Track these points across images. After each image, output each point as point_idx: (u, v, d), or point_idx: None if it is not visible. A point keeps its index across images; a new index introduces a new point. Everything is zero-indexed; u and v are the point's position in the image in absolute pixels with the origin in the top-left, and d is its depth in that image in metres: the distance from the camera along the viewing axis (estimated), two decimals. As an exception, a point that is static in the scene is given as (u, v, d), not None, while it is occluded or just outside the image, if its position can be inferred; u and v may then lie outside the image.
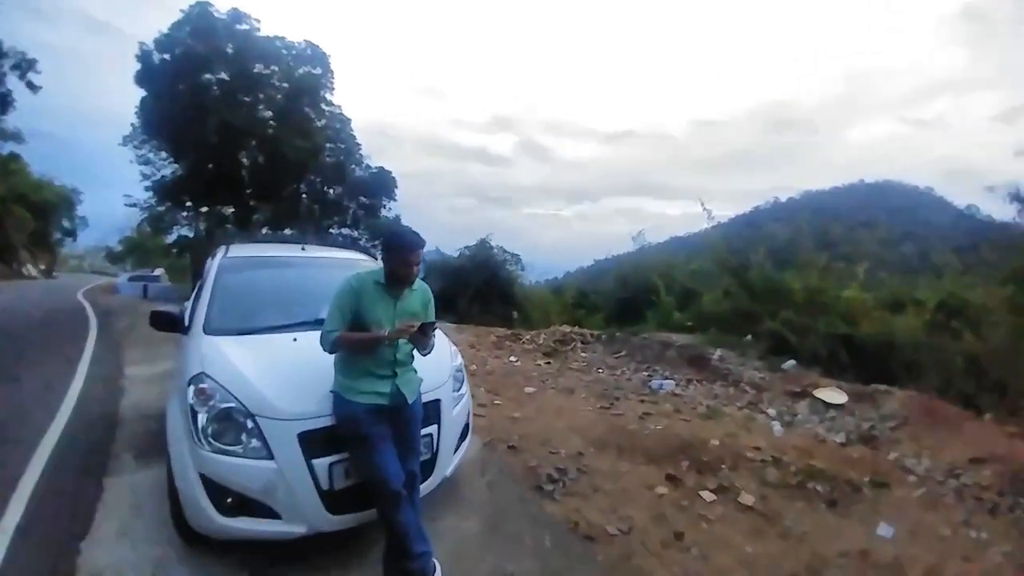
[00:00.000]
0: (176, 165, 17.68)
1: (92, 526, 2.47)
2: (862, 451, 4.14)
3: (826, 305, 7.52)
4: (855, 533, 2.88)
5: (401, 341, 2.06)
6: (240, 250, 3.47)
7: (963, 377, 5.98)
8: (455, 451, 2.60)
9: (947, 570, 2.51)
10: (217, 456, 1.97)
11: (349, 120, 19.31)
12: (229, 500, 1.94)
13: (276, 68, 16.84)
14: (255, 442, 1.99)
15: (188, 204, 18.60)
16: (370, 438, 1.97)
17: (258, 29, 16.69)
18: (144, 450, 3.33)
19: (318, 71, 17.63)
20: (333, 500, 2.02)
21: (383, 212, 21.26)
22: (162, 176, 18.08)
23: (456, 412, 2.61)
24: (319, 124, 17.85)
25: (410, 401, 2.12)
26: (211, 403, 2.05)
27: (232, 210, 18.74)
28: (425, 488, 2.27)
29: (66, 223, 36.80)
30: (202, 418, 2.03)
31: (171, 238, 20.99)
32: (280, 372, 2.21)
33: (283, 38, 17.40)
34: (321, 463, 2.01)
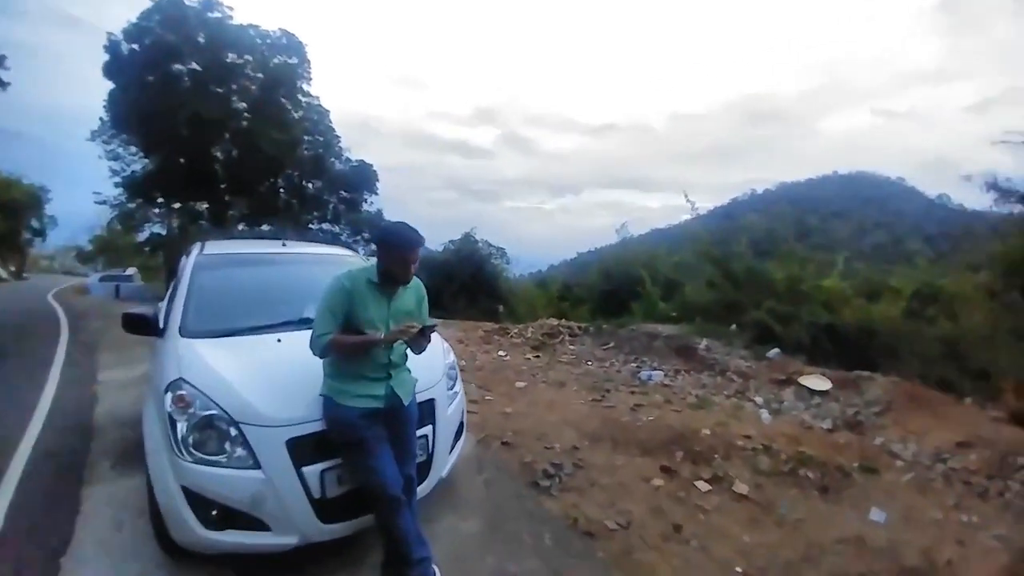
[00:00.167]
0: (147, 160, 17.03)
1: (72, 541, 2.34)
2: (849, 437, 4.21)
3: (807, 294, 7.67)
4: (848, 519, 2.92)
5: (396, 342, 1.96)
6: (216, 247, 3.30)
7: (941, 362, 6.15)
8: (450, 451, 2.52)
9: (942, 554, 2.55)
10: (199, 467, 1.85)
11: (327, 112, 18.83)
12: (214, 513, 1.83)
13: (250, 58, 16.26)
14: (240, 451, 1.87)
15: (160, 200, 17.98)
16: (365, 443, 1.88)
17: (231, 17, 16.07)
18: (121, 459, 3.17)
19: (294, 61, 17.08)
20: (325, 508, 1.92)
21: (365, 206, 20.91)
22: (132, 171, 17.42)
23: (451, 411, 2.53)
24: (296, 116, 17.33)
25: (406, 403, 2.03)
26: (191, 411, 1.92)
27: (206, 206, 18.18)
28: (421, 491, 2.19)
29: (35, 223, 35.20)
30: (181, 427, 1.90)
31: (143, 236, 20.36)
32: (265, 376, 2.09)
33: (257, 27, 16.79)
34: (312, 471, 1.90)
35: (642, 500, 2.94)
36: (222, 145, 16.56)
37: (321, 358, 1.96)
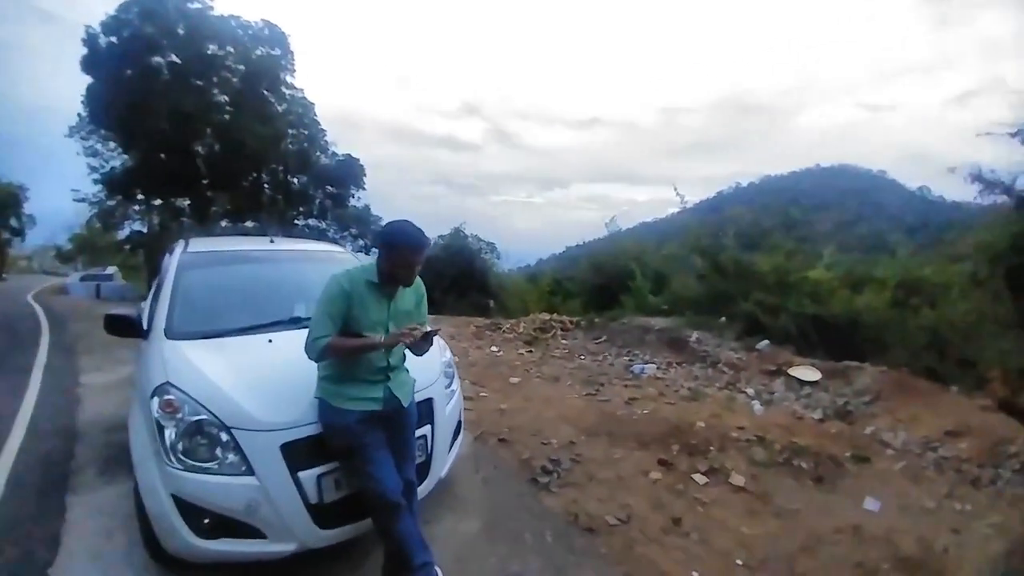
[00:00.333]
0: (126, 156, 16.58)
1: (60, 551, 2.25)
2: (840, 427, 4.27)
3: (794, 285, 7.76)
4: (844, 508, 2.95)
5: None
6: (201, 244, 3.19)
7: (927, 352, 6.26)
8: (449, 450, 2.48)
9: (937, 542, 2.59)
10: (190, 475, 1.77)
11: (312, 105, 18.46)
12: (206, 521, 1.76)
13: (231, 49, 15.84)
14: (232, 457, 1.80)
15: (140, 197, 17.53)
16: (363, 448, 1.82)
17: (211, 8, 15.62)
18: (107, 465, 3.07)
19: (277, 52, 16.68)
20: (323, 514, 1.86)
21: (351, 202, 20.64)
22: (111, 168, 16.95)
23: (449, 409, 2.48)
24: (280, 109, 16.96)
25: (405, 404, 1.97)
26: (179, 416, 1.84)
27: (188, 202, 17.76)
28: (421, 492, 2.14)
29: (13, 222, 34.07)
30: (170, 433, 1.82)
31: (123, 234, 19.87)
32: (256, 378, 2.02)
33: (238, 17, 16.36)
34: (308, 475, 1.84)
35: (641, 494, 2.93)
36: (203, 140, 16.15)
37: (317, 361, 1.88)
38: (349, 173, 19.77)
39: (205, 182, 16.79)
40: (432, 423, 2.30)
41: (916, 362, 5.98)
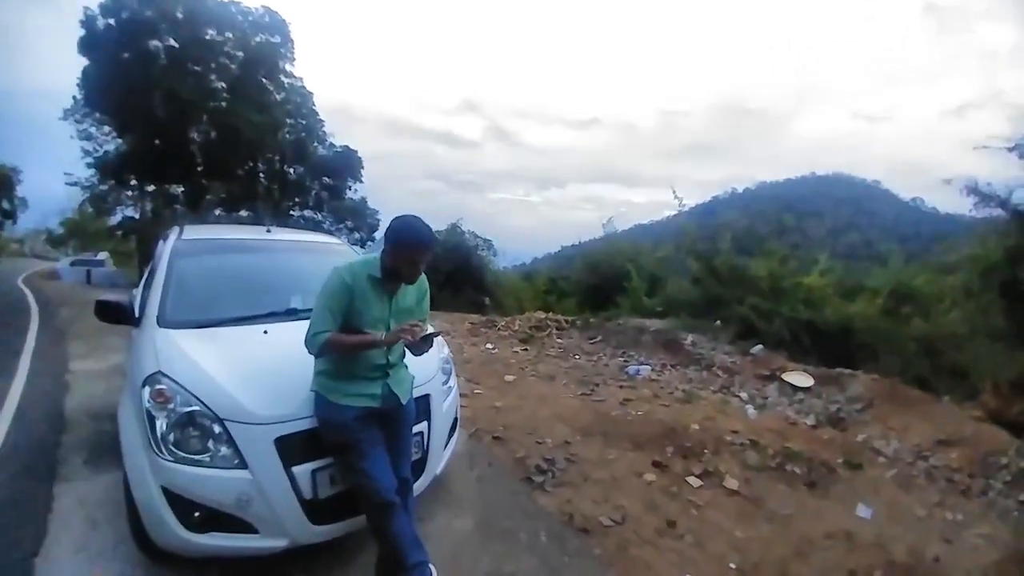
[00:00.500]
0: (120, 140, 16.35)
1: (45, 541, 2.20)
2: (832, 433, 4.28)
3: (789, 291, 7.81)
4: (836, 514, 2.96)
5: None
6: (196, 232, 3.13)
7: (918, 361, 6.32)
8: (445, 447, 2.45)
9: (928, 550, 2.60)
10: (180, 467, 1.73)
11: (311, 95, 18.31)
12: (197, 515, 1.72)
13: (230, 35, 15.66)
14: (225, 450, 1.76)
15: (133, 183, 17.30)
16: (359, 444, 1.78)
17: (211, -8, 15.44)
18: (95, 454, 3.01)
19: (277, 40, 16.51)
20: (316, 509, 1.82)
21: (348, 194, 20.50)
22: (105, 152, 16.74)
23: (446, 406, 2.45)
24: (277, 98, 16.81)
25: (403, 402, 1.94)
26: (171, 407, 1.80)
27: (182, 189, 17.55)
28: (416, 489, 2.11)
29: (5, 205, 33.44)
30: (161, 424, 1.78)
31: (115, 219, 19.61)
32: (250, 369, 1.97)
33: (238, 3, 16.17)
34: (302, 470, 1.81)
35: (635, 495, 2.92)
36: (199, 126, 15.97)
37: (317, 356, 1.84)
38: (346, 165, 19.63)
39: (200, 169, 16.61)
40: (429, 420, 2.27)
41: (908, 371, 6.04)
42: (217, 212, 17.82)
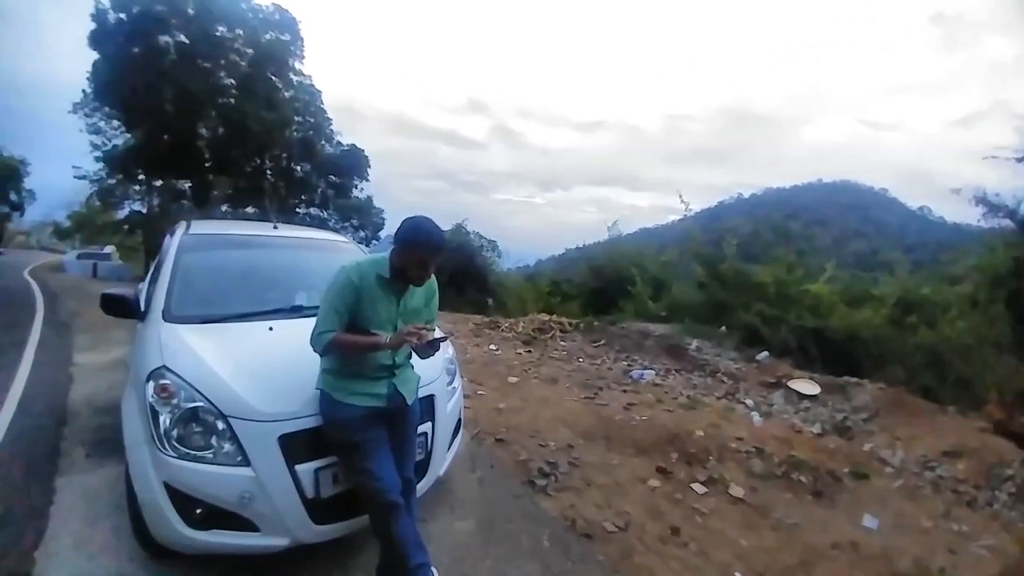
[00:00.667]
0: (129, 134, 16.42)
1: (46, 535, 2.20)
2: (838, 442, 4.24)
3: (795, 299, 7.76)
4: (842, 524, 2.93)
5: None
6: (203, 227, 3.13)
7: (924, 370, 6.26)
8: (448, 448, 2.43)
9: (934, 562, 2.57)
10: (183, 463, 1.72)
11: (319, 93, 18.34)
12: (198, 511, 1.71)
13: (240, 32, 15.69)
14: (228, 446, 1.74)
15: (141, 177, 17.39)
16: (364, 444, 1.77)
17: (222, -12, 15.49)
18: (97, 447, 3.01)
19: (286, 37, 16.54)
20: (318, 509, 1.81)
21: (354, 193, 20.54)
22: (113, 146, 16.81)
23: (450, 407, 2.44)
24: (286, 95, 16.83)
25: (409, 402, 1.92)
26: (174, 402, 1.78)
27: (189, 185, 17.63)
28: (419, 490, 2.09)
29: (13, 196, 33.58)
30: (164, 419, 1.76)
31: (122, 213, 19.71)
32: (255, 366, 1.96)
33: (249, 0, 16.24)
34: (305, 469, 1.79)
35: (639, 501, 2.90)
36: (208, 122, 16.01)
37: (322, 355, 1.83)
38: (353, 163, 19.65)
39: (207, 165, 16.66)
40: (433, 420, 2.25)
41: (913, 380, 5.98)
42: (224, 208, 17.89)
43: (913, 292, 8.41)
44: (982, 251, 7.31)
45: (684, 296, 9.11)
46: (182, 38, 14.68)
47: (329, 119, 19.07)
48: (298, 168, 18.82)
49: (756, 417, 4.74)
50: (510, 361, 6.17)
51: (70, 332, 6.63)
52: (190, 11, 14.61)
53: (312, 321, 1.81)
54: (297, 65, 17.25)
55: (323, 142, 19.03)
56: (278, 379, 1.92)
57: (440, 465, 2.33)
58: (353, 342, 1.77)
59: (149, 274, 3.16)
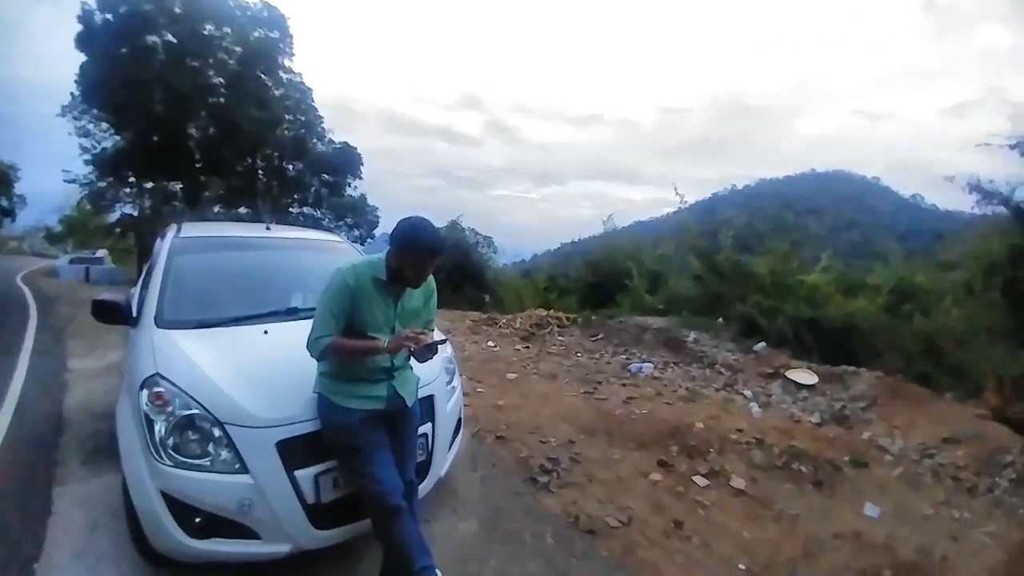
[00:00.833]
0: (118, 137, 16.23)
1: (45, 546, 2.17)
2: (837, 431, 4.26)
3: (791, 289, 7.78)
4: (844, 514, 2.94)
5: None
6: (194, 229, 3.08)
7: (921, 358, 6.29)
8: (449, 448, 2.41)
9: (936, 550, 2.58)
10: (180, 471, 1.69)
11: (310, 90, 18.18)
12: (197, 520, 1.68)
13: (228, 30, 15.50)
14: (225, 454, 1.71)
15: (131, 179, 17.20)
16: (365, 447, 1.74)
17: (209, -14, 15.28)
18: (93, 455, 2.98)
19: (275, 34, 16.35)
20: (319, 514, 1.79)
21: (348, 191, 20.41)
22: (103, 149, 16.62)
23: (450, 407, 2.42)
24: (277, 93, 16.66)
25: (409, 404, 1.90)
26: (169, 410, 1.75)
27: (180, 186, 17.45)
28: (420, 491, 2.06)
29: (4, 202, 33.17)
30: (159, 428, 1.73)
31: (114, 216, 19.50)
32: (251, 371, 1.93)
33: (236, -3, 16.04)
34: (305, 474, 1.77)
35: (641, 496, 2.90)
36: (198, 122, 15.83)
37: (319, 360, 1.80)
38: (346, 161, 19.51)
39: (198, 166, 16.50)
40: (433, 421, 2.23)
41: (910, 368, 6.00)
42: (216, 209, 17.73)
43: (908, 280, 8.45)
44: (976, 238, 7.33)
45: (681, 289, 9.12)
46: (170, 37, 14.49)
47: (321, 117, 18.93)
48: (290, 167, 18.68)
49: (755, 408, 4.75)
50: (508, 357, 6.16)
51: (64, 337, 6.56)
52: (177, 10, 14.42)
53: (308, 323, 1.77)
54: (287, 63, 17.11)
55: (315, 140, 18.89)
56: (275, 383, 1.89)
57: (441, 466, 2.31)
58: (350, 347, 1.74)
59: (141, 278, 3.11)
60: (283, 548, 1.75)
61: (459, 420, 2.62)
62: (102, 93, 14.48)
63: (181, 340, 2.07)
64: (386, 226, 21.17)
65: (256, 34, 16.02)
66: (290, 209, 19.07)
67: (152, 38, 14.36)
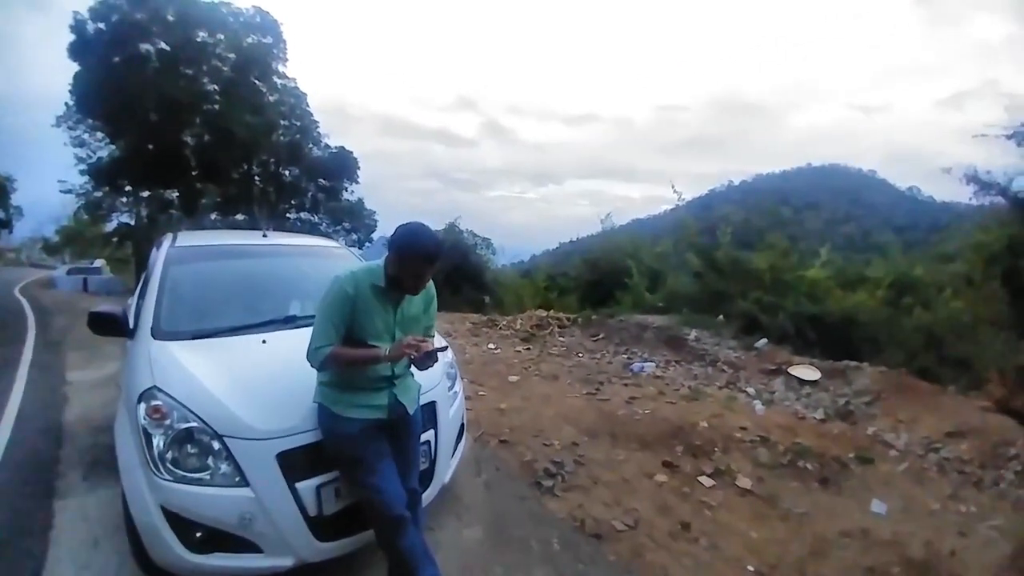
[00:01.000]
0: (113, 146, 16.20)
1: (47, 561, 2.16)
2: (841, 427, 4.24)
3: (791, 284, 7.76)
4: (850, 511, 2.92)
5: None
6: (190, 238, 3.06)
7: (923, 351, 6.28)
8: (452, 454, 2.39)
9: (944, 545, 2.56)
10: (180, 486, 1.67)
11: (305, 95, 18.12)
12: (198, 534, 1.66)
13: (222, 36, 15.46)
14: (225, 467, 1.69)
15: (128, 188, 17.14)
16: (366, 458, 1.72)
17: (201, -6, 15.25)
18: (93, 468, 2.96)
19: (268, 40, 16.32)
20: (322, 526, 1.76)
21: (345, 195, 20.36)
22: (98, 158, 16.56)
23: (452, 413, 2.39)
24: (271, 99, 16.62)
25: (411, 412, 1.87)
26: (167, 423, 1.73)
27: (176, 194, 17.41)
28: (424, 499, 2.04)
29: (1, 214, 33.13)
30: (158, 442, 1.71)
31: (111, 226, 19.45)
32: (250, 382, 1.90)
33: (229, 4, 16.00)
34: (307, 486, 1.74)
35: (647, 497, 2.87)
36: (193, 130, 15.78)
37: (319, 371, 1.77)
38: (342, 166, 19.47)
39: (194, 173, 16.45)
40: (436, 427, 2.20)
41: (912, 362, 5.99)
42: (213, 216, 17.68)
43: (907, 273, 8.45)
44: (974, 229, 7.33)
45: (680, 286, 9.10)
46: (163, 45, 14.45)
47: (316, 122, 18.88)
48: (286, 172, 18.62)
49: (758, 405, 4.73)
50: (509, 359, 6.13)
51: (62, 349, 6.54)
52: (170, 17, 14.38)
53: (307, 331, 1.75)
54: (281, 68, 17.06)
55: (311, 145, 18.84)
56: (274, 394, 1.87)
57: (445, 472, 2.29)
58: (351, 356, 1.72)
59: (137, 289, 3.09)
60: (286, 562, 1.73)
61: (462, 425, 2.59)
62: (96, 102, 14.45)
63: (178, 351, 2.04)
64: (384, 230, 21.15)
65: (249, 40, 15.99)
66: (287, 215, 19.02)
67: (145, 46, 14.32)
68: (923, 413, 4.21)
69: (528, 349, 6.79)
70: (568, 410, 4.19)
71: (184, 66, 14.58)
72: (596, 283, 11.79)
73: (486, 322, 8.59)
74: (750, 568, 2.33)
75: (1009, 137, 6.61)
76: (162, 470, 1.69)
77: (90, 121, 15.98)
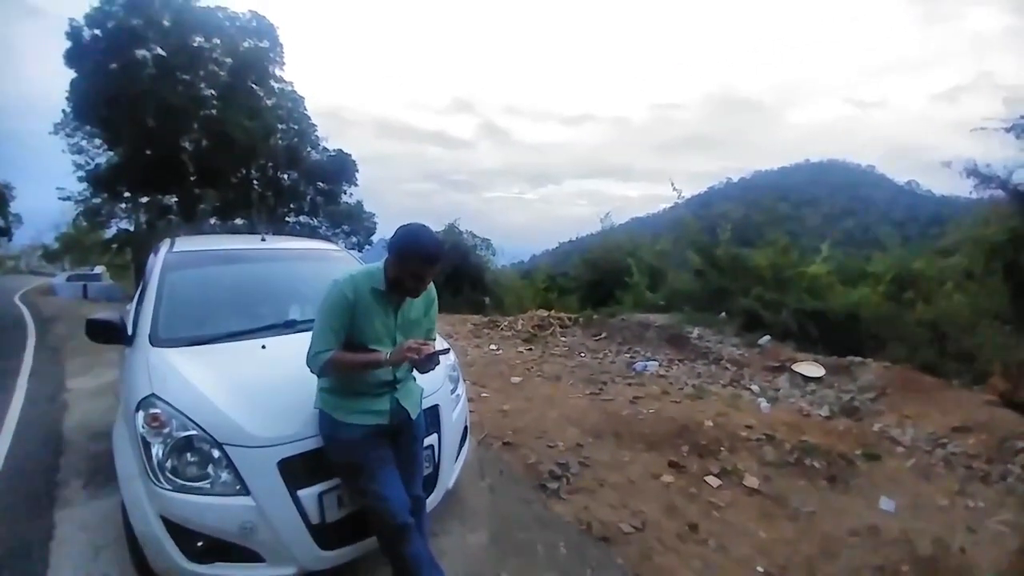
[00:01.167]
0: (111, 152, 16.20)
1: (49, 570, 2.15)
2: (847, 424, 4.21)
3: (792, 281, 7.74)
4: (859, 509, 2.89)
5: None
6: (188, 244, 3.02)
7: (925, 346, 6.24)
8: (456, 458, 2.36)
9: (954, 541, 2.53)
10: (180, 495, 1.64)
11: (302, 99, 18.14)
12: (199, 544, 1.63)
13: (218, 41, 15.49)
14: (225, 476, 1.66)
15: (126, 194, 17.16)
16: (369, 465, 1.69)
17: (197, -1, 15.26)
18: (93, 477, 2.93)
19: (265, 44, 16.34)
20: (325, 534, 1.73)
21: (343, 198, 20.37)
22: (96, 165, 16.59)
23: (455, 416, 2.36)
24: (268, 103, 16.64)
25: (413, 416, 1.84)
26: (166, 431, 1.70)
27: (175, 199, 17.41)
28: (428, 504, 2.01)
29: (0, 222, 33.13)
30: (157, 450, 1.68)
31: (110, 232, 19.45)
32: (249, 388, 1.87)
33: (225, 8, 16.01)
34: (308, 494, 1.71)
35: (654, 499, 2.84)
36: (190, 135, 15.80)
37: (319, 376, 1.74)
38: (341, 169, 19.47)
39: (193, 178, 16.46)
40: (439, 431, 2.17)
41: (915, 357, 5.96)
42: (212, 221, 17.68)
43: (907, 268, 8.41)
44: (974, 223, 7.30)
45: (682, 284, 9.08)
46: (159, 51, 14.47)
47: (314, 125, 18.89)
48: (285, 176, 18.64)
49: (763, 403, 4.70)
50: (511, 360, 6.10)
51: (62, 357, 6.51)
52: (166, 23, 14.39)
53: (307, 336, 1.72)
54: (278, 72, 17.09)
55: (309, 149, 18.85)
56: (274, 400, 1.84)
57: (449, 477, 2.26)
58: (352, 361, 1.69)
59: (136, 295, 3.06)
60: (288, 571, 1.70)
61: (465, 428, 2.56)
62: (94, 109, 14.46)
63: (177, 358, 2.01)
64: (383, 232, 21.15)
65: (246, 45, 16.01)
66: (286, 219, 19.03)
67: (142, 52, 14.33)
68: (928, 408, 4.18)
69: (530, 350, 6.76)
70: (572, 411, 4.16)
71: (181, 71, 14.58)
72: (597, 282, 11.77)
73: (487, 323, 8.56)
74: (760, 569, 2.30)
75: (1008, 130, 6.58)
76: (161, 479, 1.66)
77: (88, 128, 16.01)
